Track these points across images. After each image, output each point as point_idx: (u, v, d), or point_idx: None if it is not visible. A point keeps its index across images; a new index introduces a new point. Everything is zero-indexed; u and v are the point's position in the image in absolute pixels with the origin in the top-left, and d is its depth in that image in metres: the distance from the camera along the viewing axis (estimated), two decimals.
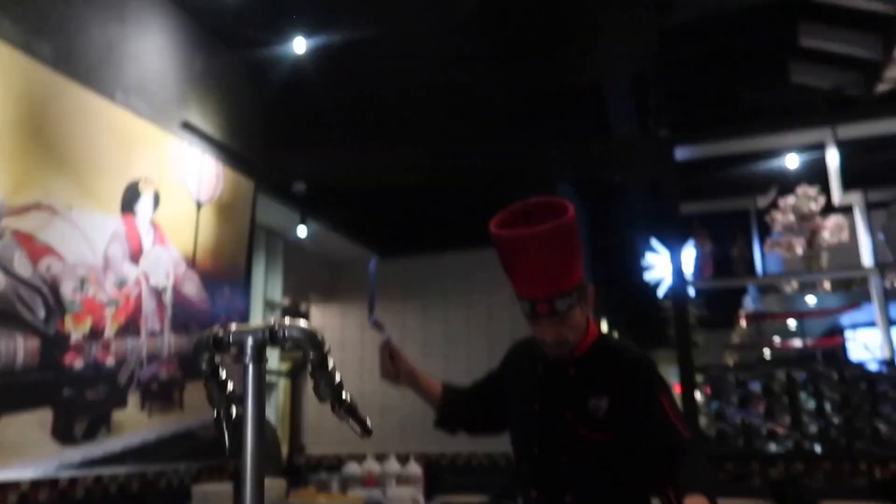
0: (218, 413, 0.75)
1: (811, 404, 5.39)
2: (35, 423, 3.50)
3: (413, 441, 5.04)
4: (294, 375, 7.28)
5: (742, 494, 3.67)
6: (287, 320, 0.79)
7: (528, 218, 1.94)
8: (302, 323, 0.78)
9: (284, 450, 6.39)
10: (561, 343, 1.95)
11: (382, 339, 2.12)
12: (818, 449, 4.92)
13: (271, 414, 6.35)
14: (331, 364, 0.76)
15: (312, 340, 0.76)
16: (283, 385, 7.51)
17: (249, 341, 0.77)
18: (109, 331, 4.05)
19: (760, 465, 4.60)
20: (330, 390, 0.71)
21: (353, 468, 2.83)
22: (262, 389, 0.70)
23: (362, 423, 0.72)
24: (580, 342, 2.00)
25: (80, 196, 3.86)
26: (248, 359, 0.76)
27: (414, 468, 2.84)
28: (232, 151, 5.12)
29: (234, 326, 0.79)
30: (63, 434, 3.66)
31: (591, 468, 1.94)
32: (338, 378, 0.71)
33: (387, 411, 6.10)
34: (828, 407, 5.28)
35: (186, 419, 4.47)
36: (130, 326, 4.21)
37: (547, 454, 2.01)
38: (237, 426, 0.72)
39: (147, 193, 4.39)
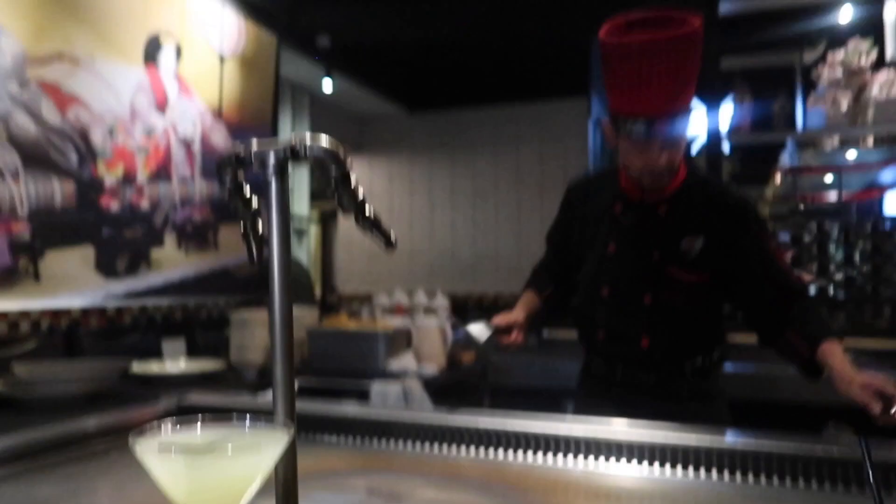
0: (245, 227, 0.76)
1: (840, 255, 5.39)
2: (79, 258, 3.68)
3: (441, 282, 5.18)
4: (324, 222, 7.41)
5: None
6: (308, 136, 0.78)
7: (643, 26, 1.70)
8: (323, 139, 0.77)
9: (318, 291, 6.65)
10: (668, 172, 1.76)
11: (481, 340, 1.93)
12: (843, 295, 4.97)
13: (303, 258, 6.55)
14: (353, 180, 0.75)
15: (334, 156, 0.74)
16: (313, 232, 7.69)
17: (271, 157, 0.76)
18: (142, 176, 4.14)
19: None
20: (353, 204, 0.71)
21: (382, 299, 2.94)
22: (287, 204, 0.71)
23: (386, 236, 0.73)
24: (676, 173, 1.82)
25: (102, 46, 3.81)
26: (270, 174, 0.75)
27: (441, 300, 2.94)
28: (253, 4, 4.94)
29: (255, 144, 0.78)
30: (106, 268, 3.86)
31: (678, 310, 1.83)
32: (361, 195, 0.71)
33: (415, 255, 6.25)
34: (857, 257, 5.27)
35: (222, 258, 4.66)
36: (162, 173, 4.29)
37: (623, 296, 1.89)
38: (263, 240, 0.74)
39: (169, 45, 4.32)
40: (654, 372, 1.86)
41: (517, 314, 1.97)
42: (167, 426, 0.62)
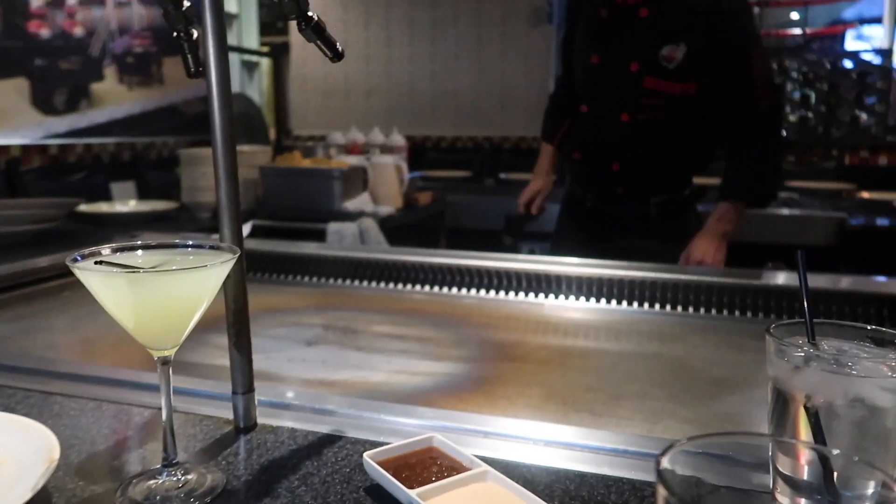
0: (178, 34, 0.69)
1: (797, 95, 5.40)
2: (12, 90, 3.47)
3: (399, 123, 5.09)
4: (275, 56, 7.05)
5: (715, 174, 3.84)
6: None
7: None
8: None
9: (272, 133, 6.46)
10: None
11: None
12: (794, 136, 5.04)
13: (255, 97, 6.29)
14: None
15: None
16: (266, 69, 7.33)
17: None
18: None
19: None
20: (294, 4, 0.64)
21: (337, 137, 2.87)
22: (220, 2, 0.63)
23: (332, 46, 0.67)
24: None
25: None
26: None
27: (398, 139, 2.88)
28: None
29: None
30: (43, 103, 3.65)
31: (654, 133, 1.74)
32: None
33: (372, 94, 6.05)
34: (813, 97, 5.29)
35: (168, 94, 4.44)
36: None
37: (600, 113, 1.80)
38: (197, 45, 0.67)
39: None
40: (620, 203, 1.83)
41: (535, 185, 2.02)
42: (107, 250, 0.60)
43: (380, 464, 0.61)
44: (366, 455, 0.62)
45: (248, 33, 6.29)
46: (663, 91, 1.70)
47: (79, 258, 0.58)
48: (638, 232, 1.82)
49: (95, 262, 0.58)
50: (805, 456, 0.49)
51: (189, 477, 0.62)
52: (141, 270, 0.58)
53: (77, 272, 0.56)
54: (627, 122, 1.75)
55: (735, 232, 1.71)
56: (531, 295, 1.45)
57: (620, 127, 1.76)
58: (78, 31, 3.85)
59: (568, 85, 1.96)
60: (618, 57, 1.75)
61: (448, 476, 0.59)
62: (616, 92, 1.77)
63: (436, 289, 1.52)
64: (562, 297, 1.43)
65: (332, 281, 1.62)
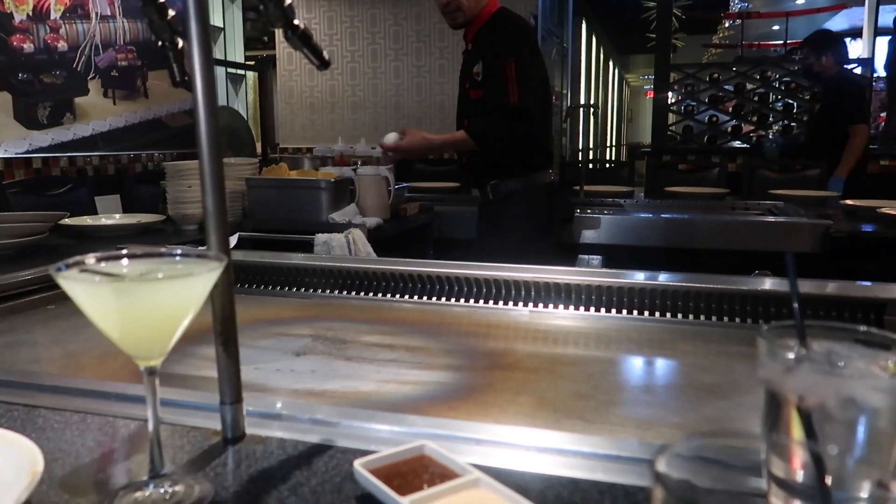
0: (163, 43, 0.69)
1: (780, 106, 5.47)
2: None
3: (385, 135, 5.09)
4: (261, 70, 7.04)
5: (701, 184, 3.87)
6: None
7: None
8: None
9: (258, 146, 6.44)
10: (452, 12, 2.33)
11: None
12: (778, 146, 5.09)
13: (241, 110, 6.27)
14: None
15: None
16: (251, 82, 7.32)
17: None
18: (55, 12, 3.79)
19: (721, 158, 4.78)
20: (280, 13, 0.64)
21: (323, 149, 2.86)
22: (204, 7, 0.63)
23: (318, 53, 0.67)
24: (474, 14, 2.33)
25: None
26: None
27: None
28: None
29: None
30: (27, 118, 3.63)
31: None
32: (287, 0, 0.63)
33: (358, 107, 6.05)
34: (795, 107, 5.35)
35: (153, 107, 4.42)
36: (78, 9, 3.93)
37: (459, 124, 2.49)
38: (183, 55, 0.67)
39: None
40: (474, 187, 2.46)
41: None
42: (92, 259, 0.59)
43: (371, 472, 0.60)
44: (356, 463, 0.61)
45: (233, 47, 6.28)
46: (474, 98, 2.38)
47: (63, 267, 0.57)
48: (486, 212, 2.45)
49: (80, 272, 0.57)
50: (798, 458, 0.48)
51: (176, 489, 0.61)
52: (126, 279, 0.57)
53: (61, 281, 0.55)
54: (466, 126, 2.41)
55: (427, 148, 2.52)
56: (520, 304, 1.44)
57: (465, 130, 2.41)
58: (61, 45, 3.83)
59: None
60: (461, 82, 2.50)
61: (440, 483, 0.59)
62: (460, 107, 2.53)
63: (424, 298, 1.52)
64: (551, 305, 1.43)
65: (320, 292, 1.61)
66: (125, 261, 0.61)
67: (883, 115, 5.89)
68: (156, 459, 0.61)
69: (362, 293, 1.57)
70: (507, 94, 2.22)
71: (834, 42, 4.23)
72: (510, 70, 2.23)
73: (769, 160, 4.71)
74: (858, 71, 5.18)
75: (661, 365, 1.20)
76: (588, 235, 2.78)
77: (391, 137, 2.36)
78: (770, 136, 5.34)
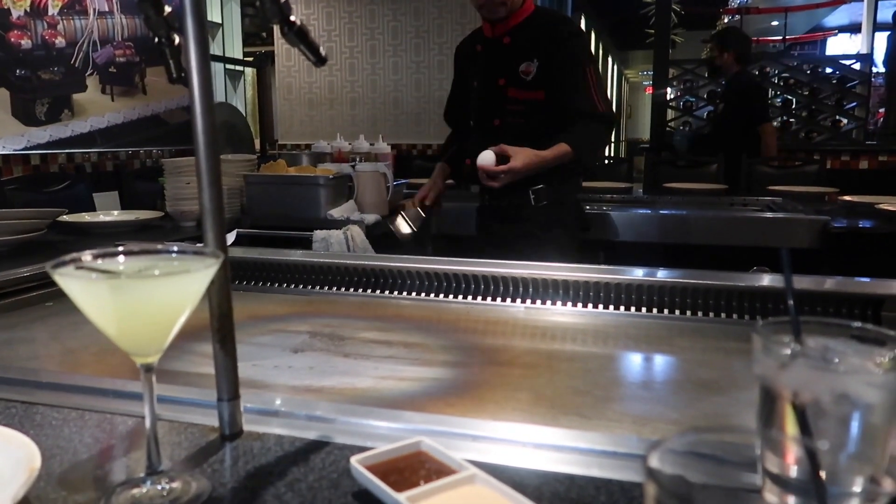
0: (159, 39, 0.69)
1: (779, 101, 5.46)
2: None
3: (385, 132, 5.09)
4: (259, 66, 7.03)
5: (699, 180, 3.87)
6: None
7: None
8: None
9: (257, 143, 6.44)
10: (495, 5, 2.12)
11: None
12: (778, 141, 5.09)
13: (240, 106, 6.26)
14: None
15: None
16: (250, 78, 7.31)
17: None
18: (53, 8, 3.78)
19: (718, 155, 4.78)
20: (276, 10, 0.64)
21: (322, 145, 2.86)
22: (200, 3, 0.63)
23: (315, 50, 0.67)
24: (517, 8, 2.16)
25: None
26: None
27: (383, 146, 2.87)
28: None
29: None
30: (24, 114, 3.62)
31: (521, 133, 2.13)
32: None
33: (357, 103, 6.05)
34: (794, 102, 5.35)
35: (152, 104, 4.41)
36: (75, 5, 3.92)
37: (481, 122, 2.27)
38: (180, 51, 0.67)
39: None
40: (504, 196, 2.20)
41: (426, 187, 2.39)
42: (89, 256, 0.59)
43: (368, 468, 0.60)
44: (353, 460, 0.61)
45: (231, 43, 6.28)
46: (521, 98, 2.18)
47: (59, 264, 0.57)
48: (524, 219, 2.21)
49: (76, 268, 0.57)
50: (793, 453, 0.49)
51: (174, 485, 0.61)
52: (123, 275, 0.57)
53: (58, 278, 0.56)
54: (499, 125, 2.21)
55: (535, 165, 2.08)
56: (518, 300, 1.44)
57: (493, 130, 2.20)
58: (59, 41, 3.82)
59: (454, 116, 2.52)
60: (489, 76, 2.24)
61: (436, 479, 0.59)
62: (489, 103, 2.25)
63: (422, 295, 1.52)
64: (549, 301, 1.43)
65: (318, 288, 1.61)
66: (122, 257, 0.61)
67: (881, 110, 5.89)
68: (153, 456, 0.61)
69: (360, 290, 1.57)
70: (594, 102, 2.12)
71: (739, 41, 4.35)
72: (591, 77, 2.14)
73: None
74: (857, 66, 5.18)
75: (659, 361, 1.20)
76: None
77: (488, 158, 2.04)
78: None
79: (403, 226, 2.32)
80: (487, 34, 2.24)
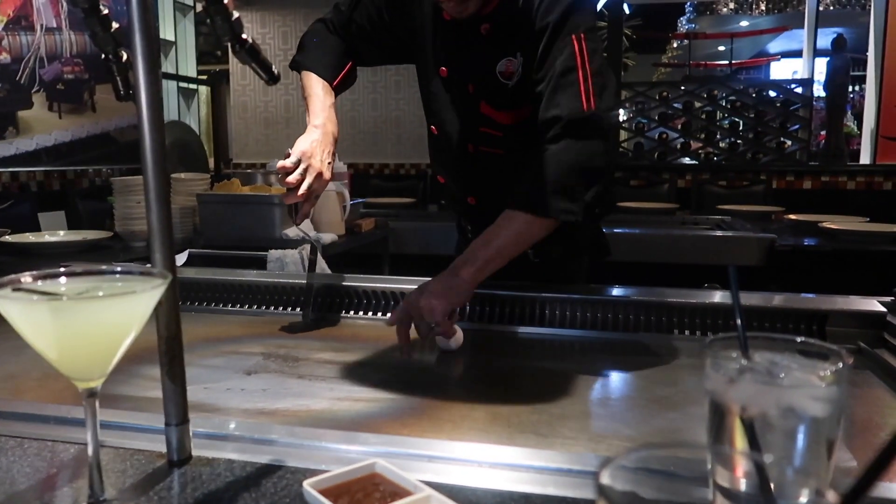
0: (106, 56, 0.67)
1: (727, 123, 5.64)
2: None
3: (341, 153, 5.09)
4: (213, 84, 6.95)
5: (652, 199, 3.95)
6: None
7: None
8: None
9: (211, 162, 6.35)
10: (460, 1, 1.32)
11: None
12: (726, 161, 5.24)
13: (193, 125, 6.17)
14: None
15: None
16: (204, 96, 7.21)
17: None
18: None
19: (671, 174, 4.90)
20: (227, 27, 0.63)
21: (277, 164, 2.83)
22: (149, 19, 0.62)
23: (267, 68, 0.66)
24: None
25: None
26: None
27: (340, 166, 2.86)
28: None
29: None
30: None
31: (501, 164, 1.47)
32: (235, 14, 0.63)
33: None
34: (741, 124, 5.53)
35: (101, 121, 4.32)
36: (22, 21, 3.83)
37: (448, 140, 1.52)
38: (128, 68, 0.65)
39: None
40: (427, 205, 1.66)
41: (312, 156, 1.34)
42: (28, 277, 0.57)
43: (320, 492, 0.59)
44: (305, 484, 0.60)
45: (185, 61, 6.20)
46: (497, 121, 1.44)
47: None
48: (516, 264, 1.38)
49: (14, 290, 0.55)
50: (742, 467, 0.49)
51: None
52: (64, 297, 0.55)
53: None
54: (472, 153, 1.49)
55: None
56: (474, 319, 1.44)
57: (467, 159, 1.51)
58: (4, 57, 3.72)
59: (349, 38, 1.58)
60: (459, 79, 1.47)
61: (391, 502, 0.58)
62: (459, 121, 1.49)
63: (379, 315, 1.51)
64: (503, 320, 1.43)
65: (273, 309, 1.58)
66: (64, 279, 0.59)
67: (823, 132, 6.12)
68: (95, 485, 0.59)
69: (316, 310, 1.55)
70: (577, 92, 1.32)
71: None
72: (579, 51, 1.32)
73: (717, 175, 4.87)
74: (799, 90, 5.38)
75: (614, 377, 1.21)
76: None
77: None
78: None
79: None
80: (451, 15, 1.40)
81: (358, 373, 1.17)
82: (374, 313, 1.51)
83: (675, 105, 5.48)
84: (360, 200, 2.89)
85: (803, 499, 0.44)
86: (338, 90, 1.54)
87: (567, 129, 1.29)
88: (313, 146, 1.33)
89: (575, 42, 1.32)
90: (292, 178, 1.29)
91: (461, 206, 1.62)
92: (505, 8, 1.38)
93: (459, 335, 1.25)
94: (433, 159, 1.67)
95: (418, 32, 1.50)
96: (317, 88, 1.46)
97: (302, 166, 1.30)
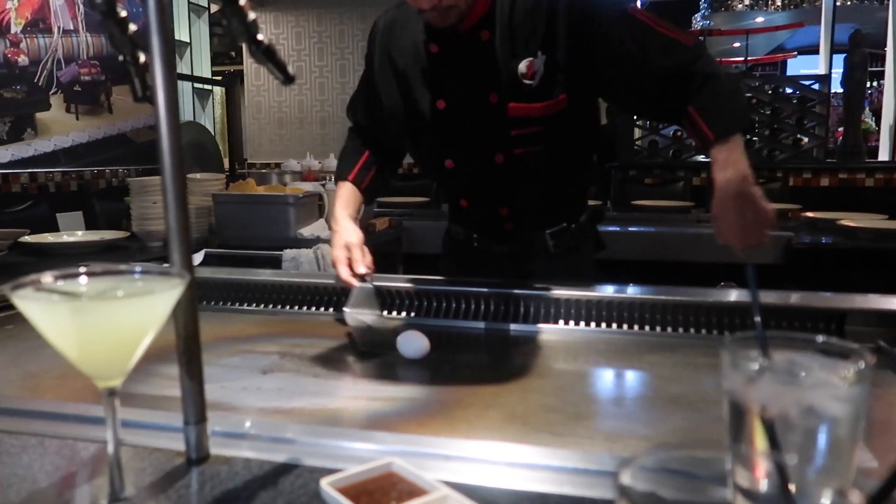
0: (124, 58, 0.68)
1: None
2: None
3: None
4: (228, 85, 7.00)
5: (667, 197, 3.93)
6: None
7: None
8: None
9: (226, 162, 6.40)
10: (444, 10, 1.29)
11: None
12: None
13: (208, 126, 6.22)
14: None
15: None
16: (219, 97, 7.26)
17: None
18: (16, 26, 3.73)
19: (686, 172, 4.87)
20: (244, 28, 0.63)
21: (292, 164, 2.85)
22: (166, 21, 0.62)
23: (283, 69, 0.66)
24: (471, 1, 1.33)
25: None
26: None
27: None
28: None
29: None
30: None
31: (537, 165, 1.47)
32: (251, 15, 0.63)
33: (328, 123, 6.04)
34: (757, 121, 5.48)
35: (118, 122, 4.36)
36: (39, 23, 3.88)
37: (471, 162, 1.50)
38: (145, 70, 0.66)
39: None
40: (512, 243, 1.60)
41: (355, 236, 1.49)
42: (49, 277, 0.58)
43: (338, 490, 0.59)
44: (323, 482, 0.60)
45: (200, 62, 6.24)
46: (532, 115, 1.39)
47: (19, 286, 0.56)
48: (533, 267, 1.57)
49: (36, 290, 0.55)
50: (762, 467, 0.49)
51: None
52: (84, 297, 0.56)
53: (16, 301, 0.54)
54: (503, 163, 1.46)
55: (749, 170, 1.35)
56: (489, 318, 1.44)
57: (497, 171, 1.47)
58: (22, 59, 3.77)
59: (370, 142, 1.65)
60: (470, 93, 1.42)
61: (408, 500, 0.58)
62: (481, 135, 1.45)
63: (393, 314, 1.51)
64: (518, 319, 1.43)
65: (288, 308, 1.59)
66: (84, 279, 0.60)
67: (840, 129, 6.06)
68: (116, 483, 0.60)
69: (331, 309, 1.56)
70: (677, 39, 1.36)
71: None
72: (646, 17, 1.40)
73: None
74: (816, 87, 5.32)
75: (629, 377, 1.20)
76: None
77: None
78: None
79: (365, 316, 1.33)
80: (443, 27, 1.37)
81: (373, 372, 1.17)
82: (389, 312, 1.51)
83: None
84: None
85: (826, 500, 0.44)
86: (370, 192, 1.64)
87: (696, 67, 1.32)
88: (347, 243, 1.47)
89: (632, 14, 1.37)
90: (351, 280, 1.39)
91: (491, 218, 1.59)
92: (502, 11, 1.37)
93: (425, 343, 1.23)
94: (451, 191, 1.66)
95: (408, 67, 1.49)
96: (345, 192, 1.60)
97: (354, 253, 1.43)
